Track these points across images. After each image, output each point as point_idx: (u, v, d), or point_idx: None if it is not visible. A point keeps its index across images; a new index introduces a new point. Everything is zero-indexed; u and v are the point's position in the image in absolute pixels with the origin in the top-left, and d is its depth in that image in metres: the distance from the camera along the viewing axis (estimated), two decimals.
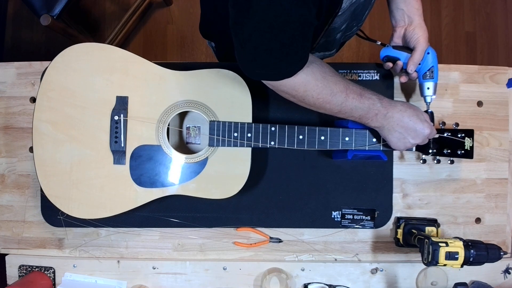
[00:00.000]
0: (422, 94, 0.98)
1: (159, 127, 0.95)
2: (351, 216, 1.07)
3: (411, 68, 0.94)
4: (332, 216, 1.07)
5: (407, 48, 0.96)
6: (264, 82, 0.79)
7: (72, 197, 0.95)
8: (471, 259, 0.89)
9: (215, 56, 1.22)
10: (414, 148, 0.96)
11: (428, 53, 0.94)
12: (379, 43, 1.02)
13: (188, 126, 1.06)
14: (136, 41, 2.11)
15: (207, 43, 1.23)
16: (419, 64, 0.94)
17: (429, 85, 0.97)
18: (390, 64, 0.98)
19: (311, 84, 0.78)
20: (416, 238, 0.98)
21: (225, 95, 0.95)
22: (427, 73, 0.96)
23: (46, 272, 1.06)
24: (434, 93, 0.97)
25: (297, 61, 0.74)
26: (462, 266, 0.90)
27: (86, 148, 0.95)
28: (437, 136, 0.96)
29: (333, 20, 0.84)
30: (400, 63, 0.96)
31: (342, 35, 1.00)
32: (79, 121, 0.95)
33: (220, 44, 1.14)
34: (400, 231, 1.06)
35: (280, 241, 1.08)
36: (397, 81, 1.07)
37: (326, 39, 0.96)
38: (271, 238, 1.08)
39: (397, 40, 0.97)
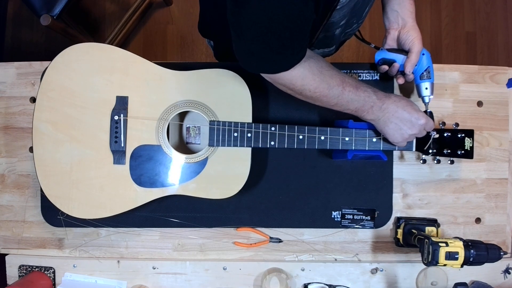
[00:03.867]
0: (420, 94, 0.98)
1: (159, 127, 0.95)
2: (351, 216, 1.07)
3: (409, 70, 0.94)
4: (332, 216, 1.07)
5: (402, 50, 0.96)
6: (262, 75, 0.79)
7: (72, 197, 0.95)
8: (471, 259, 0.89)
9: (214, 55, 1.22)
10: (414, 148, 0.96)
11: (423, 54, 0.95)
12: (373, 46, 1.02)
13: (188, 126, 1.06)
14: (136, 41, 2.11)
15: (206, 42, 1.23)
16: (416, 65, 0.95)
17: (426, 85, 0.97)
18: (385, 67, 0.98)
19: (308, 78, 0.79)
20: (416, 238, 0.98)
21: (225, 95, 0.95)
22: (424, 73, 0.97)
23: (46, 272, 1.06)
24: (432, 93, 0.98)
25: (294, 55, 0.74)
26: (462, 266, 0.90)
27: (86, 148, 0.95)
28: (436, 136, 0.96)
29: (331, 14, 0.85)
30: (396, 65, 0.97)
31: (342, 31, 1.01)
32: (79, 121, 0.95)
33: (219, 42, 1.14)
34: (400, 231, 1.06)
35: (280, 241, 1.08)
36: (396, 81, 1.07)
37: (325, 34, 0.97)
38: (271, 238, 1.08)
39: (391, 42, 0.98)
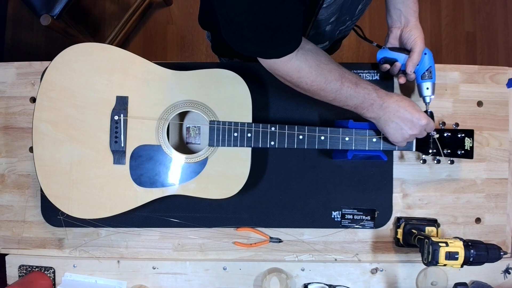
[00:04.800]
0: (421, 94, 0.98)
1: (159, 127, 0.95)
2: (351, 216, 1.07)
3: (410, 69, 0.94)
4: (332, 216, 1.07)
5: (404, 49, 0.96)
6: (260, 61, 0.80)
7: (72, 197, 0.95)
8: (471, 259, 0.89)
9: (211, 47, 1.23)
10: (414, 148, 0.96)
11: (425, 53, 0.95)
12: (375, 44, 1.02)
13: (188, 126, 1.06)
14: (136, 41, 2.11)
15: (206, 36, 1.23)
16: (417, 65, 0.95)
17: (427, 85, 0.97)
18: (387, 66, 0.98)
19: (304, 71, 0.80)
20: (416, 238, 0.98)
21: (225, 95, 0.95)
22: (425, 73, 0.96)
23: (46, 272, 1.06)
24: (433, 93, 0.98)
25: (283, 44, 0.75)
26: (462, 266, 0.90)
27: (86, 148, 0.95)
28: (436, 136, 0.96)
29: (318, 11, 0.85)
30: (398, 65, 0.97)
31: (334, 28, 1.01)
32: (79, 121, 0.95)
33: (217, 33, 1.14)
34: (400, 231, 1.06)
35: (280, 241, 1.08)
36: (397, 81, 1.07)
37: (315, 31, 0.97)
38: (271, 238, 1.08)
39: (393, 41, 0.98)
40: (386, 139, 0.94)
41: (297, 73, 0.80)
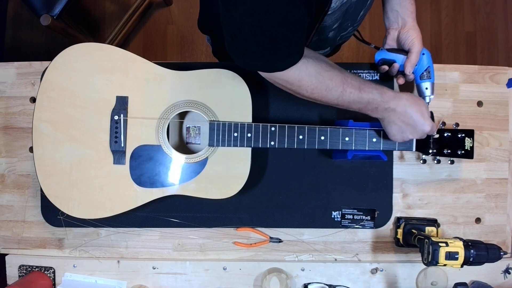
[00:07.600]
0: (420, 94, 0.98)
1: (159, 127, 0.95)
2: (351, 216, 1.07)
3: (408, 70, 0.94)
4: (332, 216, 1.07)
5: (402, 50, 0.96)
6: (260, 72, 0.80)
7: (72, 197, 0.95)
8: (471, 259, 0.89)
9: (212, 51, 1.22)
10: (414, 148, 0.96)
11: (423, 54, 0.95)
12: (373, 46, 1.02)
13: (188, 126, 1.06)
14: (136, 41, 2.11)
15: (206, 40, 1.23)
16: (416, 65, 0.95)
17: (427, 85, 0.97)
18: (386, 67, 0.99)
19: (304, 80, 0.79)
20: (416, 238, 0.98)
21: (225, 95, 0.95)
22: (424, 73, 0.97)
23: (46, 272, 1.06)
24: (432, 92, 0.98)
25: (287, 56, 0.74)
26: (462, 266, 0.90)
27: (86, 148, 0.95)
28: (436, 136, 0.96)
29: (323, 18, 0.85)
30: (396, 66, 0.97)
31: (336, 34, 1.01)
32: (79, 121, 0.95)
33: (217, 38, 1.14)
34: (400, 231, 1.06)
35: (280, 241, 1.08)
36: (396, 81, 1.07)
37: (318, 37, 0.97)
38: (271, 238, 1.08)
39: (391, 42, 0.98)
40: (386, 136, 0.93)
41: (297, 82, 0.79)
